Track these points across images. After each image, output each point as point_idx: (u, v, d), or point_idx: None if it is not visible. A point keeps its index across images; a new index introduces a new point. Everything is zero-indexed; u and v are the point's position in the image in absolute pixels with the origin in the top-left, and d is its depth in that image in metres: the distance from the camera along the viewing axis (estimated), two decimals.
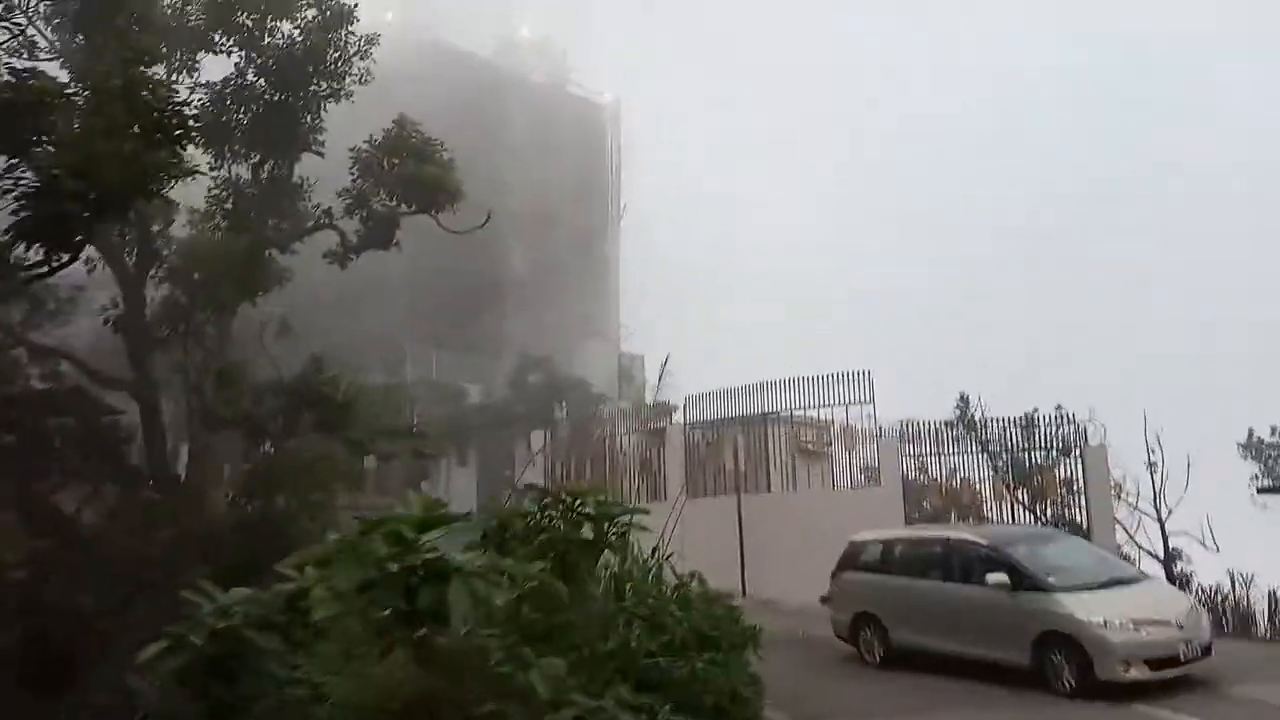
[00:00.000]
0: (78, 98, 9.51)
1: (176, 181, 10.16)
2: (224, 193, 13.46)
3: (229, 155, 13.16)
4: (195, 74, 12.84)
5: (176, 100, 9.69)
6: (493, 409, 33.25)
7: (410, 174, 12.81)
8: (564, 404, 30.74)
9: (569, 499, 5.81)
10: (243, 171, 13.22)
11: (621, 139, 60.16)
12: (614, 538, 6.32)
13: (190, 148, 13.82)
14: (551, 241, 52.76)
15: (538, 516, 6.00)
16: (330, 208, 13.37)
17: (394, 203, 13.19)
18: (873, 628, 14.30)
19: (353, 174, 13.35)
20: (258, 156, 12.98)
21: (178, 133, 9.39)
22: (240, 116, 12.52)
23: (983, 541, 13.22)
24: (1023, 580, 11.83)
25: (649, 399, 28.96)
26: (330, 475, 14.74)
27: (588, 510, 5.91)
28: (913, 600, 13.42)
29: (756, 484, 24.07)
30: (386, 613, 3.23)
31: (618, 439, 27.78)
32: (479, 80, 53.97)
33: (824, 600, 22.05)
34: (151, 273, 15.01)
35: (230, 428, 14.73)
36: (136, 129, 9.12)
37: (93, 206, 8.95)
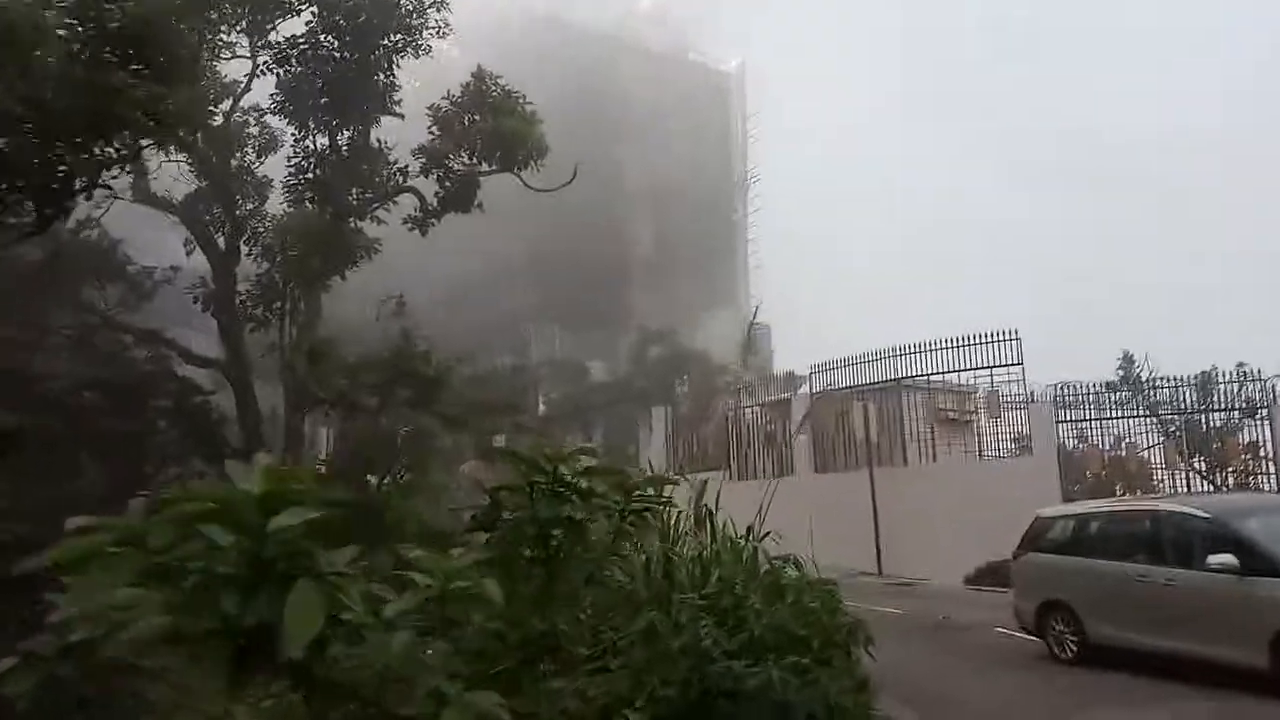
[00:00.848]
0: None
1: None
2: (306, 163, 12.95)
3: (309, 125, 12.61)
4: (268, 33, 12.34)
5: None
6: (615, 386, 32.51)
7: (490, 129, 11.88)
8: (685, 378, 29.58)
9: (551, 468, 4.35)
10: (322, 139, 12.68)
11: (748, 106, 58.27)
12: (634, 516, 4.92)
13: (270, 118, 13.41)
14: (677, 213, 51.51)
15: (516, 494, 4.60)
16: (407, 166, 12.62)
17: (473, 160, 12.30)
18: (1064, 619, 11.97)
19: (431, 133, 12.55)
20: (334, 121, 12.36)
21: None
22: (315, 79, 11.92)
23: (1203, 514, 10.69)
24: (1257, 562, 9.56)
25: (776, 369, 27.41)
26: (422, 451, 14.12)
27: (575, 482, 4.48)
28: (1113, 586, 11.09)
29: (891, 456, 22.26)
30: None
31: (741, 412, 26.45)
32: (598, 53, 53.17)
33: (968, 581, 20.30)
34: (247, 251, 14.70)
35: (322, 406, 14.27)
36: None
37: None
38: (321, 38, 12.07)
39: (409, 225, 12.93)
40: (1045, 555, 12.62)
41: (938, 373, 21.61)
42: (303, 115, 13.03)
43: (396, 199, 12.82)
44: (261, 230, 14.57)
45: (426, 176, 12.73)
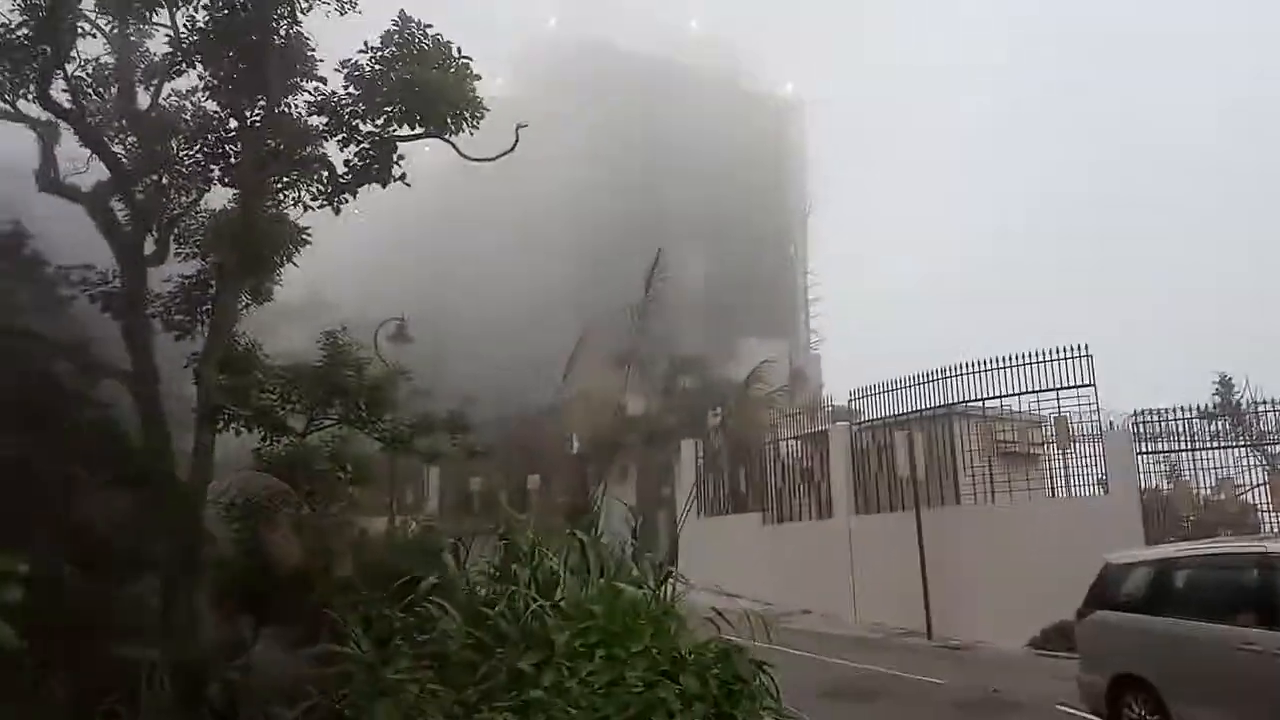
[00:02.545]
0: None
1: None
2: (218, 143, 11.11)
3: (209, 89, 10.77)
4: None
5: None
6: (644, 421, 30.18)
7: (410, 80, 9.84)
8: (719, 410, 26.94)
9: None
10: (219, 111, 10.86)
11: (805, 133, 56.01)
12: None
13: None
14: (730, 243, 49.24)
15: None
16: (319, 130, 10.59)
17: (387, 123, 10.25)
18: (1142, 699, 8.90)
19: (347, 90, 10.54)
20: (235, 89, 10.52)
21: None
22: (223, 48, 10.09)
23: None
24: None
25: (827, 402, 24.57)
26: (342, 476, 11.95)
27: None
28: (1209, 658, 8.10)
29: (941, 495, 19.27)
30: None
31: (777, 447, 23.74)
32: (649, 79, 51.71)
33: (1033, 645, 17.10)
34: (177, 250, 12.84)
35: (236, 422, 12.17)
36: None
37: None
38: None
39: (318, 202, 10.91)
40: (1118, 615, 9.62)
41: (996, 397, 18.65)
42: (221, 93, 11.18)
43: (302, 174, 10.77)
44: (195, 226, 12.73)
45: (329, 140, 10.71)
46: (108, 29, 11.36)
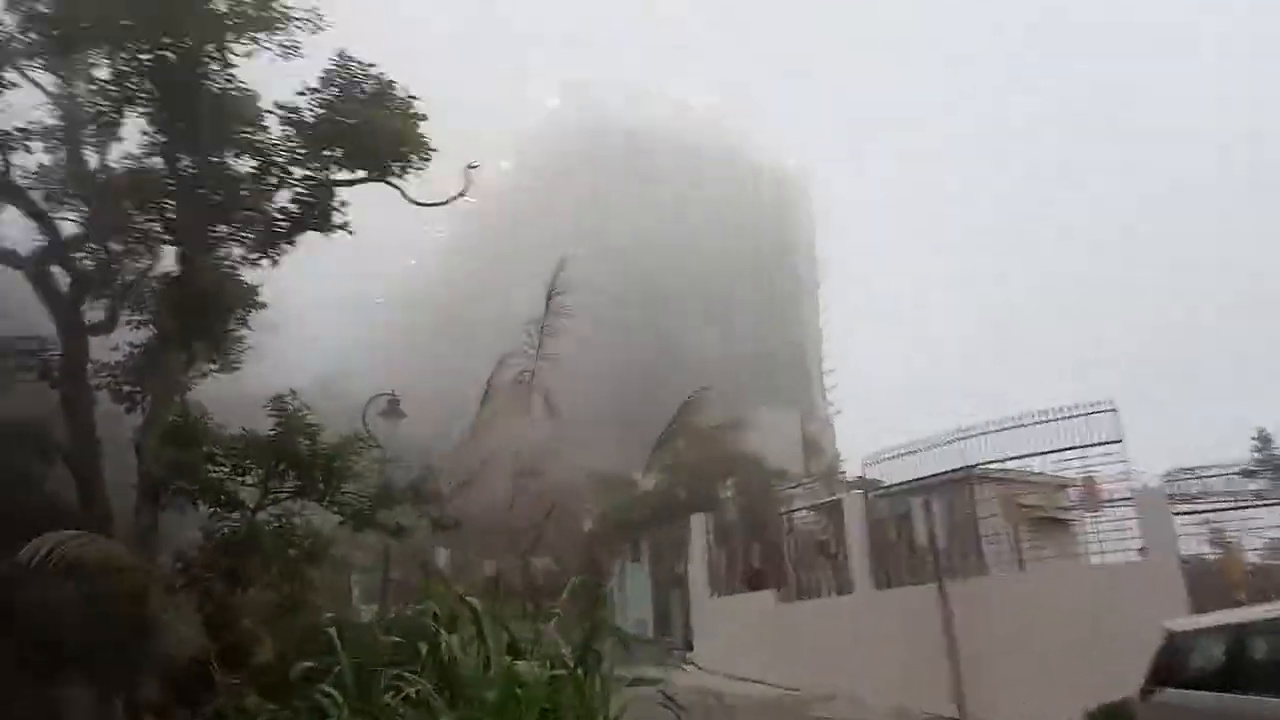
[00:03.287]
0: None
1: None
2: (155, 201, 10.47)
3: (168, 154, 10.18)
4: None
5: None
6: (655, 496, 28.90)
7: (358, 125, 9.16)
8: (730, 483, 25.72)
9: None
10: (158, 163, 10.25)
11: (814, 204, 55.66)
12: None
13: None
14: (741, 317, 48.65)
15: None
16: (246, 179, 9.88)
17: (326, 167, 9.56)
18: None
19: (286, 134, 9.87)
20: (164, 139, 9.91)
21: None
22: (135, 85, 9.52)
23: None
24: None
25: (841, 470, 23.36)
26: (297, 556, 10.91)
27: None
28: None
29: (964, 565, 17.83)
30: None
31: (792, 519, 22.39)
32: (650, 159, 51.95)
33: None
34: (128, 318, 12.20)
35: (183, 496, 11.28)
36: None
37: None
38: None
39: (254, 255, 10.17)
40: (1190, 694, 8.15)
41: (1017, 456, 17.32)
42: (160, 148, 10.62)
43: (240, 227, 10.08)
44: (149, 292, 12.06)
45: (259, 185, 9.99)
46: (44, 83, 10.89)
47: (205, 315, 11.06)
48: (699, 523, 24.79)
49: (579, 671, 5.68)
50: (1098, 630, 14.65)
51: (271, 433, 11.54)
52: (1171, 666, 8.45)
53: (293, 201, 9.87)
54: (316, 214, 9.76)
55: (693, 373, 43.92)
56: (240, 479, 11.96)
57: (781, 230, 52.53)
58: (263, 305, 11.25)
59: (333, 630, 6.01)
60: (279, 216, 9.87)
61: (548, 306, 9.94)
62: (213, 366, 12.71)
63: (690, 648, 24.42)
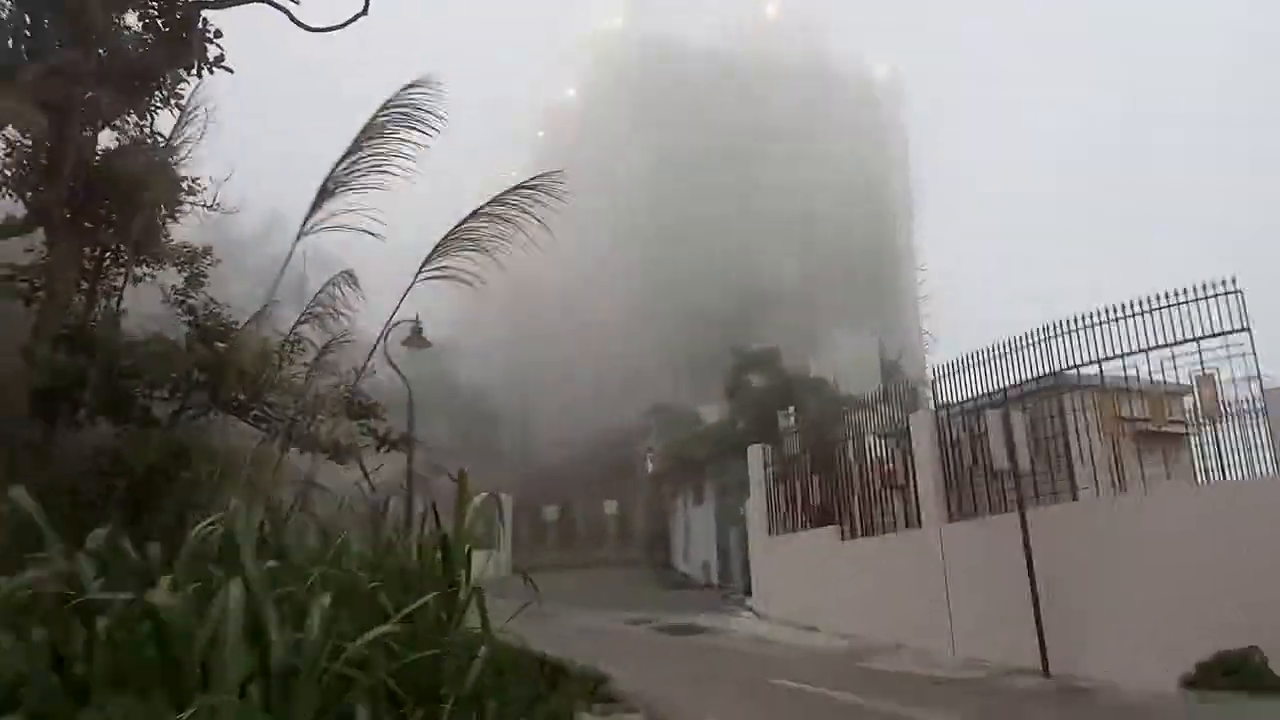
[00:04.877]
0: None
1: None
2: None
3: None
4: None
5: None
6: (718, 429, 26.59)
7: None
8: (792, 411, 23.15)
9: None
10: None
11: (905, 114, 51.25)
12: None
13: None
14: (825, 236, 45.21)
15: None
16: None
17: None
18: None
19: None
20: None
21: None
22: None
23: None
24: None
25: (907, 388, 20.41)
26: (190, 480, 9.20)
27: None
28: None
29: (1054, 489, 14.94)
30: None
31: (856, 446, 19.73)
32: (724, 75, 48.53)
33: (1186, 684, 12.52)
34: None
35: (79, 411, 9.77)
36: None
37: None
38: None
39: (125, 114, 8.28)
40: None
41: (1115, 356, 14.22)
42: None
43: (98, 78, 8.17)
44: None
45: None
46: None
47: (93, 198, 9.30)
48: (756, 455, 22.38)
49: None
50: (1215, 565, 11.77)
51: (187, 334, 9.88)
52: None
53: (143, 25, 7.95)
54: (180, 47, 7.84)
55: (768, 299, 41.25)
56: (149, 393, 10.30)
57: (873, 146, 48.62)
58: (194, 193, 9.53)
59: None
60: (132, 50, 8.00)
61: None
62: (149, 270, 11.05)
63: (749, 592, 22.24)
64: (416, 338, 20.63)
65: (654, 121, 44.47)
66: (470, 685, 4.33)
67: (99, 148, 10.14)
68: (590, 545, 33.46)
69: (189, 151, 10.14)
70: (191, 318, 9.93)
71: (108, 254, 10.84)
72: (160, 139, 10.42)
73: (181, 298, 9.66)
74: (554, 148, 52.25)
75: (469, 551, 5.31)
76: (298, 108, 57.21)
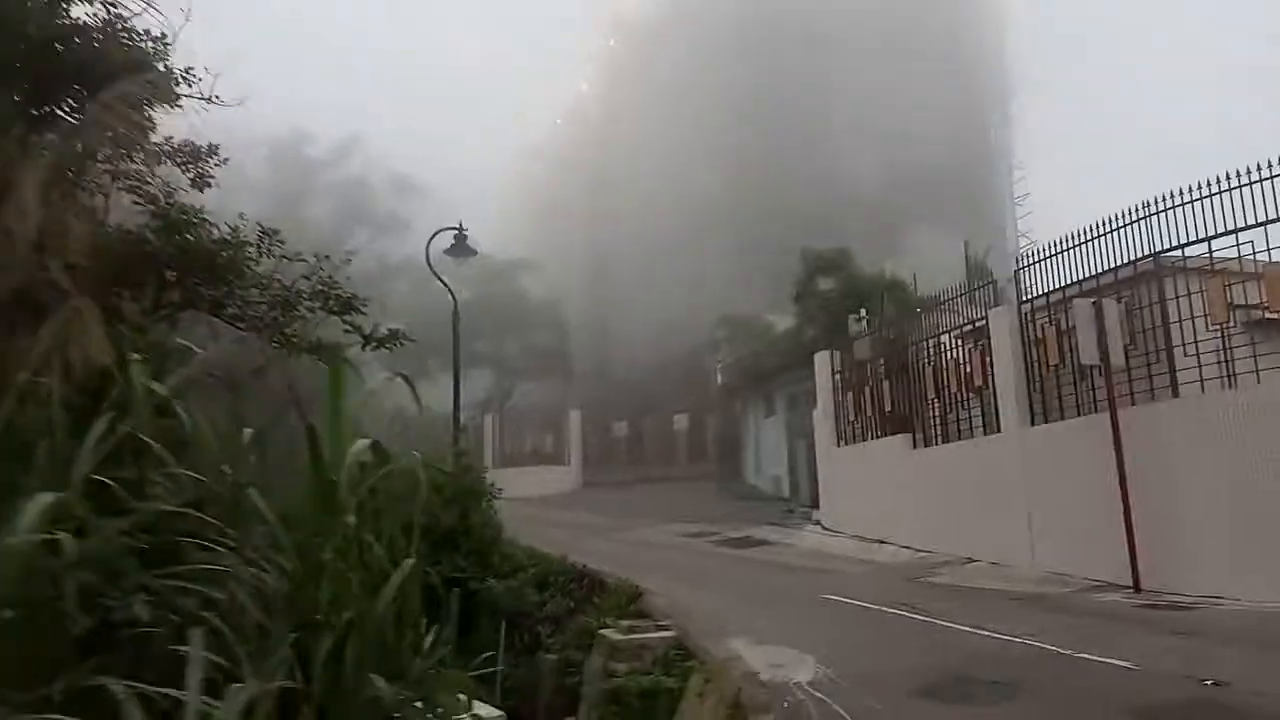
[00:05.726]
0: None
1: None
2: None
3: None
4: None
5: None
6: (787, 338, 25.17)
7: None
8: (864, 314, 21.54)
9: None
10: None
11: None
12: None
13: None
14: (916, 137, 42.34)
15: None
16: None
17: None
18: None
19: None
20: None
21: None
22: None
23: None
24: None
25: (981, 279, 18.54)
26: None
27: None
28: None
29: (1151, 386, 13.21)
30: None
31: (931, 348, 18.13)
32: None
33: None
34: None
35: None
36: None
37: None
38: None
39: None
40: None
41: (1224, 233, 12.25)
42: None
43: None
44: None
45: None
46: None
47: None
48: (824, 361, 20.96)
49: None
50: None
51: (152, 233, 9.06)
52: None
53: None
54: None
55: (848, 201, 39.08)
56: (118, 292, 9.51)
57: (968, 36, 45.07)
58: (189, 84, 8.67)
59: None
60: None
61: None
62: (141, 168, 10.25)
63: (816, 505, 21.11)
64: (461, 245, 19.82)
65: (733, 16, 42.14)
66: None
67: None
68: (660, 460, 32.84)
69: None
70: (153, 207, 9.04)
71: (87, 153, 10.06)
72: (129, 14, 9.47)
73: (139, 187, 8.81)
74: (630, 57, 50.34)
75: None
76: None
